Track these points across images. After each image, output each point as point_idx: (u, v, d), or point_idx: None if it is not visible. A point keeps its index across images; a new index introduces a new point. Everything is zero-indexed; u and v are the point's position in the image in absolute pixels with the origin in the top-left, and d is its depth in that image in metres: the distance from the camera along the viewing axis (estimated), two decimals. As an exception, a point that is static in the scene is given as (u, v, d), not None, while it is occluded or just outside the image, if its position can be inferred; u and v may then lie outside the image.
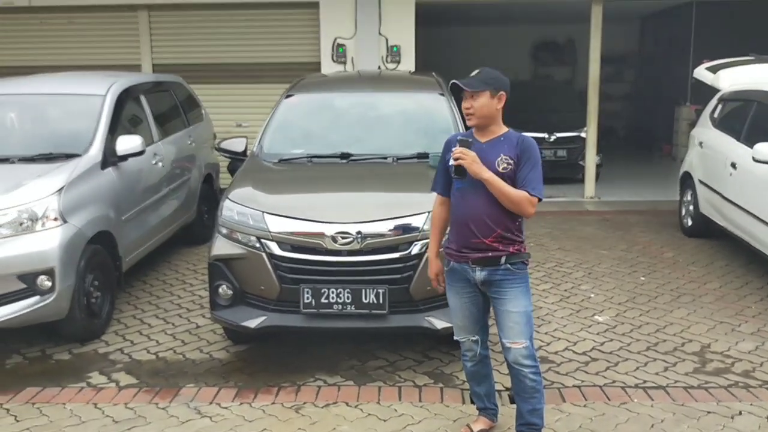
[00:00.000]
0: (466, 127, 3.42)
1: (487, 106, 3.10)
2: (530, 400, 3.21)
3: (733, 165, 6.40)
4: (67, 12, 9.38)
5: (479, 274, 3.15)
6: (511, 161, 3.08)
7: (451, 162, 3.10)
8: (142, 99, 6.19)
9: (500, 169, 3.08)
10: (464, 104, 3.15)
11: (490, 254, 3.10)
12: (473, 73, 3.19)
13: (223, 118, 9.05)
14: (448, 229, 3.33)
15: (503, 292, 3.13)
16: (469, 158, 3.03)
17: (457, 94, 3.22)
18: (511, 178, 3.08)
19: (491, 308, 3.29)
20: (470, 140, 3.13)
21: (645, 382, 4.12)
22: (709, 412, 3.75)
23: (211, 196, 7.41)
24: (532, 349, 3.16)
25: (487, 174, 3.03)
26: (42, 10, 9.36)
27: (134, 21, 9.41)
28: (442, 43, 14.95)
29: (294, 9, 9.29)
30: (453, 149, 3.12)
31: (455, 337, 3.41)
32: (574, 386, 4.07)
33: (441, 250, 3.38)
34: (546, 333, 4.86)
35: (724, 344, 4.67)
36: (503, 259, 3.10)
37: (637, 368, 4.30)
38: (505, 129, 3.19)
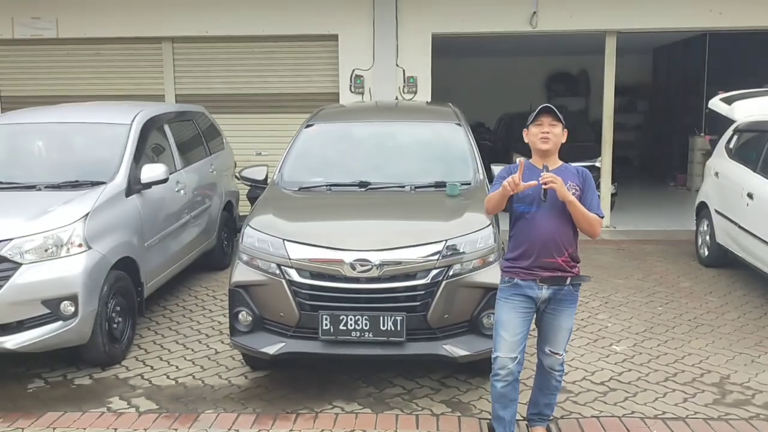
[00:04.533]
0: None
1: (559, 137, 3.44)
2: (550, 396, 3.67)
3: (750, 195, 6.41)
4: (93, 43, 9.65)
5: (545, 292, 3.42)
6: (578, 188, 3.41)
7: (542, 185, 3.30)
8: (166, 128, 6.34)
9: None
10: (542, 129, 3.40)
11: (559, 273, 3.38)
12: (544, 105, 3.49)
13: (244, 146, 9.21)
14: (508, 248, 3.57)
15: (560, 309, 3.46)
16: (558, 182, 3.29)
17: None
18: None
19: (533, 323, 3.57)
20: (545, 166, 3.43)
21: (664, 413, 4.10)
22: (729, 444, 3.73)
23: (230, 223, 7.53)
24: (564, 356, 3.59)
25: (572, 197, 3.33)
26: (69, 42, 9.64)
27: (158, 52, 9.65)
28: (458, 74, 15.14)
29: (314, 42, 9.49)
30: (541, 174, 3.31)
31: (494, 354, 3.51)
32: (592, 416, 4.06)
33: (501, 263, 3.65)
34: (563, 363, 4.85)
35: (744, 375, 4.64)
36: (568, 279, 3.41)
37: (656, 399, 4.28)
38: (559, 159, 3.49)
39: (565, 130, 3.47)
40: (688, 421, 3.99)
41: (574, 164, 3.56)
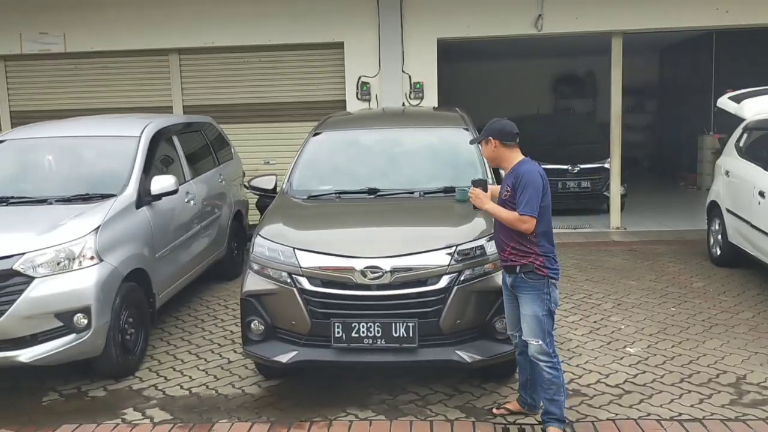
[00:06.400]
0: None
1: (486, 151, 3.94)
2: (547, 390, 3.75)
3: (762, 194, 6.36)
4: (101, 57, 9.72)
5: (509, 279, 3.83)
6: (509, 189, 3.76)
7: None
8: (175, 139, 6.37)
9: (502, 197, 3.83)
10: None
11: (508, 264, 3.77)
12: None
13: (252, 156, 9.24)
14: None
15: (520, 296, 3.77)
16: (473, 196, 3.91)
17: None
18: (511, 202, 3.73)
19: None
20: (484, 180, 4.15)
21: (680, 414, 4.06)
22: (747, 445, 3.69)
23: (240, 232, 7.54)
24: (546, 347, 3.72)
25: (486, 206, 3.86)
26: (77, 56, 9.72)
27: (165, 64, 9.71)
28: (465, 78, 15.14)
29: (320, 50, 9.52)
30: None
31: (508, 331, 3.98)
32: (608, 419, 4.03)
33: None
34: (577, 365, 4.83)
35: (761, 375, 4.59)
36: (518, 269, 3.72)
37: (672, 401, 4.25)
38: (518, 160, 3.82)
39: (489, 138, 3.84)
40: (704, 423, 3.95)
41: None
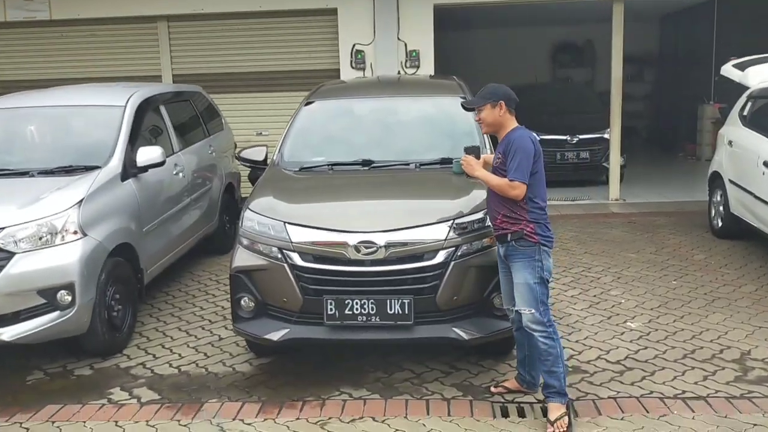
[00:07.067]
0: None
1: (490, 115, 3.69)
2: (545, 361, 3.62)
3: (766, 164, 6.20)
4: (88, 25, 9.43)
5: (501, 250, 3.73)
6: (500, 155, 3.66)
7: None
8: (162, 109, 6.15)
9: (493, 164, 3.73)
10: (474, 117, 3.89)
11: (500, 232, 3.67)
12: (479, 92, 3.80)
13: (244, 127, 9.03)
14: None
15: (512, 265, 3.65)
16: (465, 163, 3.85)
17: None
18: (502, 169, 3.62)
19: None
20: (477, 146, 4.18)
21: (684, 392, 3.95)
22: (755, 425, 3.58)
23: (232, 205, 7.36)
24: (539, 316, 3.58)
25: (477, 173, 3.77)
26: (63, 24, 9.43)
27: (154, 32, 9.43)
28: (462, 47, 14.84)
29: (312, 16, 9.24)
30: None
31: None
32: (609, 398, 3.92)
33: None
34: (577, 341, 4.71)
35: (766, 351, 4.48)
36: (509, 236, 3.61)
37: (675, 378, 4.13)
38: (512, 128, 3.68)
39: (501, 102, 3.64)
40: (709, 401, 3.85)
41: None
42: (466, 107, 3.97)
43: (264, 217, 4.17)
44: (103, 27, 9.43)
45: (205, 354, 4.69)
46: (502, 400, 3.91)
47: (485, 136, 5.04)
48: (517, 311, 3.69)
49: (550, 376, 3.62)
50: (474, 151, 3.93)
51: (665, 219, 8.27)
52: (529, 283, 3.57)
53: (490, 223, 3.84)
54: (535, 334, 3.59)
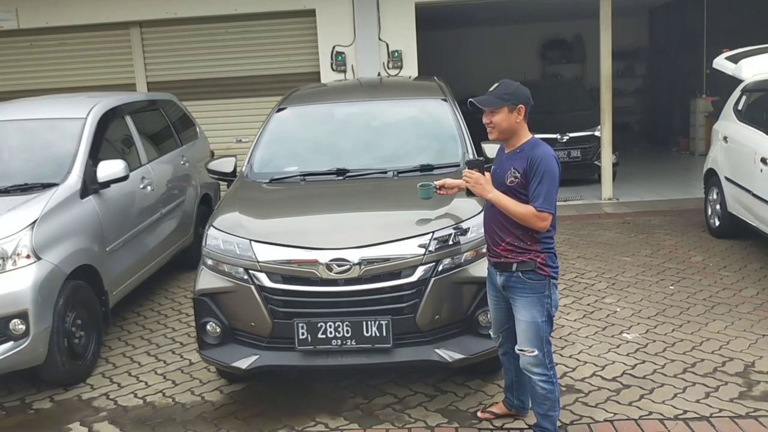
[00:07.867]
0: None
1: (506, 121, 3.16)
2: (542, 405, 3.30)
3: (764, 160, 5.93)
4: (58, 33, 9.12)
5: (499, 279, 3.29)
6: (518, 174, 3.13)
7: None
8: (128, 120, 5.84)
9: (507, 183, 3.16)
10: (484, 119, 3.22)
11: (502, 260, 3.22)
12: (492, 87, 3.22)
13: (223, 134, 8.74)
14: None
15: (515, 299, 3.24)
16: (472, 181, 3.23)
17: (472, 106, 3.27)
18: (519, 191, 3.13)
19: None
20: (481, 159, 3.47)
21: (685, 412, 3.66)
22: (762, 449, 3.30)
23: (209, 217, 7.02)
24: (542, 357, 3.22)
25: (490, 194, 3.18)
26: (32, 32, 9.11)
27: (127, 39, 9.12)
28: (447, 46, 14.57)
29: (290, 18, 8.96)
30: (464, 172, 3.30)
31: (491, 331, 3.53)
32: (606, 420, 3.62)
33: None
34: (570, 356, 4.42)
35: (770, 362, 4.21)
36: (514, 266, 3.18)
37: (675, 395, 3.84)
38: (526, 138, 3.21)
39: (521, 106, 3.15)
40: (712, 421, 3.56)
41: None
42: (478, 106, 3.22)
43: (229, 234, 3.87)
44: (74, 35, 9.12)
45: (174, 381, 4.38)
46: (490, 427, 3.62)
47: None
48: (519, 350, 3.28)
49: (545, 419, 3.33)
50: (477, 164, 3.31)
51: (660, 218, 8.00)
52: (536, 321, 3.19)
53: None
54: (534, 377, 3.25)
